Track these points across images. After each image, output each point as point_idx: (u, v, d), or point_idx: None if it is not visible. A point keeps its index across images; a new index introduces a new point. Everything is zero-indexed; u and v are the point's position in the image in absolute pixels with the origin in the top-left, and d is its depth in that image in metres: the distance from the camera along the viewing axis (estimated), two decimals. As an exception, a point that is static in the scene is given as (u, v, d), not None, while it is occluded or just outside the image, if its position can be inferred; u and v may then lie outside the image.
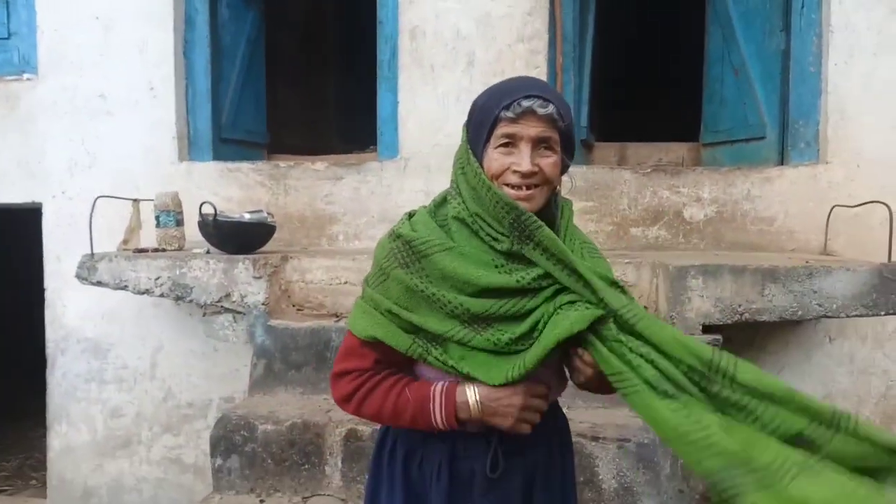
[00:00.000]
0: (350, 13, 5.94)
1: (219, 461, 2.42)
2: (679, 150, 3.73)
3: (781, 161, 3.17)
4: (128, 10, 3.46)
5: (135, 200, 3.14)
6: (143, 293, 2.87)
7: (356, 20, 5.55)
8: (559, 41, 3.23)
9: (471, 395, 1.28)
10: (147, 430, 3.50)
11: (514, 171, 1.24)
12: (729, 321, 2.46)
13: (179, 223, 3.09)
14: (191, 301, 2.84)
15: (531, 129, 1.24)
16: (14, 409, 4.97)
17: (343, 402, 1.38)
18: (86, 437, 3.56)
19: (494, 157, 1.26)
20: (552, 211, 1.33)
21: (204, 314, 3.34)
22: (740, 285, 2.44)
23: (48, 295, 3.59)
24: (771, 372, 2.91)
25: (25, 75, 3.60)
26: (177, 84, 3.48)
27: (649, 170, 3.19)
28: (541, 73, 3.21)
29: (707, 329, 2.49)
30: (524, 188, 1.25)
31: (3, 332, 5.06)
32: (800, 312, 2.43)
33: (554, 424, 1.47)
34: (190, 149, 3.56)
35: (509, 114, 1.23)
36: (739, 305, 2.45)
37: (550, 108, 1.24)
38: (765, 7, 3.20)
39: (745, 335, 2.90)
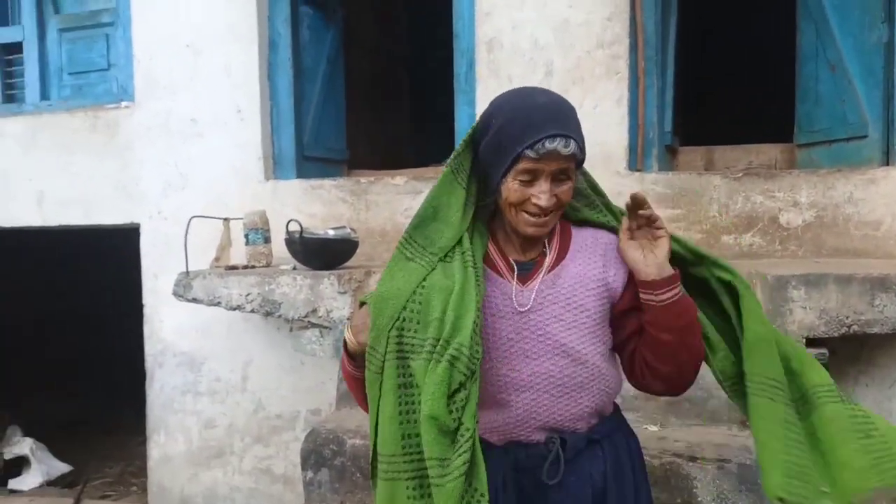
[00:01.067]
0: (423, 27, 6.01)
1: (309, 474, 2.47)
2: (771, 151, 3.55)
3: (886, 161, 2.96)
4: (215, 36, 3.62)
5: (225, 219, 3.26)
6: (234, 309, 2.97)
7: (430, 34, 5.59)
8: (640, 45, 3.14)
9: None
10: (239, 441, 3.62)
11: (535, 203, 1.29)
12: (835, 334, 2.31)
13: (267, 240, 3.19)
14: (279, 316, 2.92)
15: (553, 165, 1.28)
16: (116, 418, 5.25)
17: None
18: (182, 447, 3.71)
19: (514, 188, 1.30)
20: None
21: (291, 329, 3.42)
22: (847, 295, 2.29)
23: (146, 311, 3.77)
24: (881, 387, 2.72)
25: (123, 103, 3.81)
26: (262, 105, 3.60)
27: (740, 174, 3.05)
28: (622, 78, 3.13)
29: (811, 342, 2.34)
30: (542, 216, 1.31)
31: (106, 346, 5.36)
32: (916, 323, 2.25)
33: (618, 431, 1.45)
34: (275, 168, 3.67)
35: (532, 154, 1.25)
36: (847, 317, 2.29)
37: (572, 147, 1.27)
38: (863, -2, 3.01)
39: (851, 348, 2.71)
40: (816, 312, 2.32)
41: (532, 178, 1.28)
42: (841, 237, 2.91)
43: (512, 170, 1.28)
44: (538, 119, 1.26)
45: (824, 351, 2.32)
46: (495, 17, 3.25)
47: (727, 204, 3.02)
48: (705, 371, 2.31)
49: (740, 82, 6.18)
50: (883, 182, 2.87)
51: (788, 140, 3.51)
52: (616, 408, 1.49)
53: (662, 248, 1.33)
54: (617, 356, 1.46)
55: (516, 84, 3.19)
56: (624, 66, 3.13)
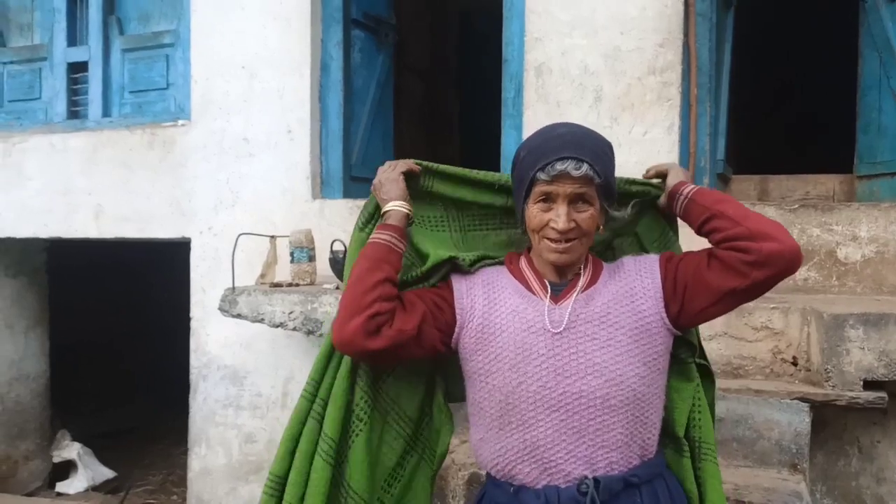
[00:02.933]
0: (473, 51, 6.05)
1: (344, 496, 2.45)
2: (829, 182, 3.44)
3: (954, 195, 2.83)
4: (270, 58, 3.70)
5: (272, 237, 3.31)
6: (277, 326, 3.00)
7: (481, 58, 5.63)
8: (693, 72, 3.09)
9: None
10: (277, 457, 3.63)
11: (552, 228, 1.32)
12: (895, 377, 2.20)
13: (312, 259, 3.22)
14: (320, 335, 2.93)
15: (567, 187, 1.31)
16: (162, 427, 5.36)
17: None
18: (222, 461, 3.75)
19: (534, 214, 1.35)
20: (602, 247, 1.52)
21: (332, 348, 3.44)
22: (909, 337, 2.17)
23: (193, 324, 3.85)
24: (945, 435, 2.56)
25: (180, 121, 3.93)
26: (312, 126, 3.66)
27: (796, 205, 2.95)
28: (674, 105, 3.08)
29: (869, 385, 2.23)
30: (563, 242, 1.33)
31: (156, 356, 5.49)
32: (984, 370, 2.12)
33: (660, 479, 1.39)
34: (322, 187, 3.72)
35: (544, 176, 1.31)
36: (909, 360, 2.18)
37: (584, 169, 1.30)
38: (931, 26, 2.91)
39: (912, 391, 2.58)
40: (875, 354, 2.21)
41: (549, 201, 1.33)
42: (903, 274, 2.78)
43: (530, 195, 1.35)
44: (553, 146, 1.34)
45: (883, 394, 2.21)
46: (545, 43, 3.25)
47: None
48: (754, 411, 2.23)
49: (800, 112, 6.02)
50: (950, 218, 2.73)
51: (847, 171, 3.39)
52: (660, 454, 1.43)
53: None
54: (664, 387, 1.42)
55: (564, 109, 3.20)
56: (676, 92, 3.08)
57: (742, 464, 2.22)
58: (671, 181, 1.48)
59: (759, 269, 1.31)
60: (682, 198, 1.44)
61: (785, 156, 4.55)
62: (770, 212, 2.94)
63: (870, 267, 2.82)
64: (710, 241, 1.39)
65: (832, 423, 2.58)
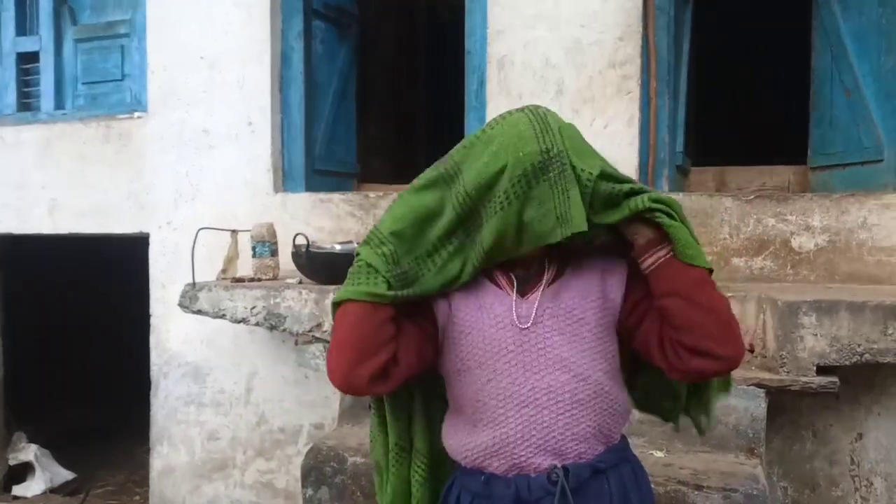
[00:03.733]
0: (438, 43, 6.03)
1: (309, 491, 2.44)
2: (784, 174, 3.52)
3: (902, 186, 2.92)
4: (230, 49, 3.64)
5: (233, 231, 3.26)
6: (239, 322, 2.97)
7: (444, 50, 5.62)
8: (653, 66, 3.12)
9: None
10: (241, 454, 3.60)
11: None
12: (847, 362, 2.27)
13: (274, 253, 3.18)
14: (283, 330, 2.90)
15: None
16: (122, 426, 5.25)
17: None
18: (185, 459, 3.70)
19: None
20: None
21: (296, 343, 3.40)
22: (859, 323, 2.24)
23: (153, 321, 3.78)
24: (894, 417, 2.66)
25: (136, 113, 3.84)
26: (273, 118, 3.62)
27: (752, 196, 3.01)
28: (633, 98, 3.12)
29: (822, 370, 2.30)
30: None
31: (115, 354, 5.38)
32: (930, 354, 2.21)
33: (625, 463, 1.41)
34: (284, 180, 3.67)
35: None
36: (859, 345, 2.25)
37: None
38: (880, 23, 2.98)
39: (864, 375, 2.66)
40: (828, 340, 2.27)
41: None
42: (854, 263, 2.86)
43: None
44: None
45: (835, 379, 2.28)
46: (507, 36, 3.25)
47: (738, 226, 2.98)
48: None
49: (756, 103, 6.15)
50: (898, 207, 2.82)
51: (802, 162, 3.48)
52: (624, 439, 1.45)
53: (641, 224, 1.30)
54: (623, 382, 1.43)
55: (526, 102, 3.19)
56: (635, 86, 3.12)
57: (701, 449, 2.27)
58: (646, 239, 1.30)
59: (680, 375, 1.31)
60: (659, 248, 1.29)
61: (742, 147, 4.64)
62: (727, 202, 3.00)
63: (822, 256, 2.90)
64: (669, 311, 1.28)
65: (788, 408, 2.66)
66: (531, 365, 1.32)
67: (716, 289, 1.28)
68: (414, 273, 1.31)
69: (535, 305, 1.34)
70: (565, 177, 1.23)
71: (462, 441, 1.38)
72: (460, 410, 1.39)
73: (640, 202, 1.25)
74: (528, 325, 1.33)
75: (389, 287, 1.26)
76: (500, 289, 1.37)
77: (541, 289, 1.36)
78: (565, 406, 1.32)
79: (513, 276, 1.37)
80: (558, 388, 1.31)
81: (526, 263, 1.38)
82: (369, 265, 1.28)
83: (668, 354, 1.28)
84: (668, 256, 1.27)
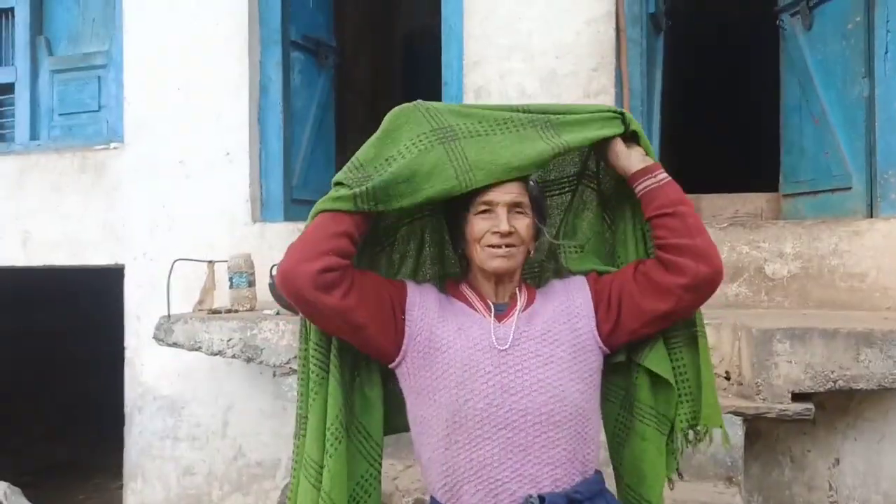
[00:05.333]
0: (414, 72, 6.09)
1: (286, 528, 2.39)
2: (757, 201, 3.58)
3: (871, 213, 2.98)
4: (206, 80, 3.65)
5: (210, 262, 3.24)
6: (215, 354, 2.93)
7: (420, 79, 5.67)
8: (626, 96, 3.18)
9: None
10: (218, 489, 3.53)
11: (494, 233, 1.37)
12: (821, 389, 2.29)
13: (251, 284, 3.16)
14: (261, 362, 2.87)
15: (505, 195, 1.38)
16: (95, 461, 5.13)
17: None
18: (160, 495, 3.62)
19: (475, 224, 1.39)
20: (532, 269, 1.54)
21: (274, 374, 3.37)
22: (832, 350, 2.27)
23: (128, 354, 3.72)
24: (869, 442, 2.68)
25: (112, 144, 3.83)
26: (251, 149, 3.62)
27: (726, 224, 3.06)
28: (608, 128, 3.16)
29: (797, 397, 2.31)
30: (503, 247, 1.38)
31: (88, 388, 5.27)
32: (901, 380, 2.23)
33: (600, 497, 1.41)
34: (262, 210, 3.66)
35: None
36: (832, 372, 2.27)
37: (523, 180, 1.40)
38: (844, 54, 3.07)
39: (839, 401, 2.69)
40: (802, 367, 2.29)
41: (489, 209, 1.38)
42: (826, 289, 2.90)
43: (471, 205, 1.39)
44: None
45: (810, 406, 2.30)
46: (483, 67, 3.30)
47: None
48: (690, 426, 2.28)
49: (729, 131, 6.27)
50: (867, 234, 2.88)
51: (775, 189, 3.54)
52: (599, 473, 1.46)
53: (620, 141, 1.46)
54: (598, 406, 1.45)
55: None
56: (610, 115, 3.16)
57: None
58: (643, 161, 1.45)
59: (690, 292, 1.39)
60: (653, 180, 1.42)
61: (716, 175, 4.72)
62: (712, 240, 3.04)
63: (796, 282, 2.94)
64: (654, 236, 1.43)
65: (765, 434, 2.67)
66: (509, 386, 1.33)
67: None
68: (373, 173, 1.37)
69: (513, 329, 1.38)
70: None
71: (439, 468, 1.37)
72: (431, 431, 1.38)
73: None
74: (507, 346, 1.36)
75: (351, 194, 1.34)
76: (477, 313, 1.41)
77: (516, 313, 1.40)
78: (542, 428, 1.33)
79: (490, 303, 1.42)
80: (535, 410, 1.33)
81: (499, 291, 1.43)
82: (336, 183, 1.38)
83: (669, 279, 1.37)
84: (663, 182, 1.42)
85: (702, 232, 1.39)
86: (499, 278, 1.42)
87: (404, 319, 1.39)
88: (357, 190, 1.34)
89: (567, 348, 1.38)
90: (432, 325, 1.39)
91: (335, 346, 1.41)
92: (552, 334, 1.39)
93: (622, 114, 1.46)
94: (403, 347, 1.39)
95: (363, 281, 1.37)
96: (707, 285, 1.39)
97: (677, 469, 1.54)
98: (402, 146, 1.39)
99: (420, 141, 1.38)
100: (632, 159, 1.44)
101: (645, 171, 1.43)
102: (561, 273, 1.55)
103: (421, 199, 1.36)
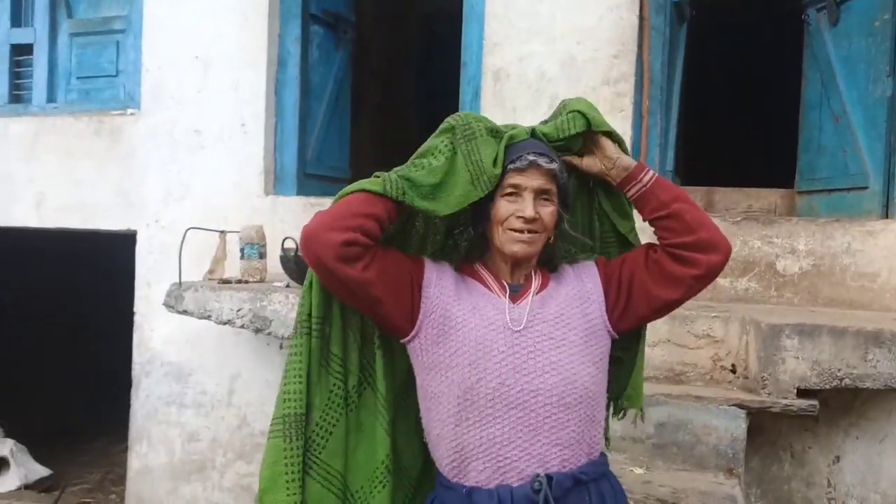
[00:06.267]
0: (431, 52, 6.05)
1: (288, 497, 2.43)
2: (771, 196, 3.56)
3: (886, 213, 2.97)
4: (225, 51, 3.64)
5: (222, 232, 3.26)
6: (225, 323, 2.95)
7: (437, 59, 5.64)
8: (646, 84, 3.16)
9: None
10: (221, 457, 3.57)
11: (518, 217, 1.37)
12: (827, 386, 2.30)
13: (262, 256, 3.18)
14: (269, 333, 2.90)
15: (534, 181, 1.38)
16: (102, 424, 5.20)
17: None
18: (163, 459, 3.67)
19: (501, 206, 1.39)
20: (549, 255, 1.48)
21: (281, 346, 3.40)
22: (840, 348, 2.27)
23: (137, 319, 3.75)
24: (871, 441, 2.69)
25: (129, 110, 3.83)
26: (266, 121, 3.61)
27: (739, 218, 3.05)
28: (626, 115, 3.15)
29: (802, 393, 2.32)
30: (526, 232, 1.38)
31: (97, 351, 5.33)
32: (908, 381, 2.24)
33: (605, 479, 1.44)
34: (276, 183, 3.67)
35: (518, 164, 1.37)
36: (839, 370, 2.28)
37: (554, 166, 1.39)
38: (869, 52, 3.04)
39: (843, 399, 2.70)
40: (809, 363, 2.30)
41: (517, 193, 1.38)
42: (837, 287, 2.90)
43: (499, 187, 1.39)
44: (522, 143, 1.41)
45: (815, 402, 2.30)
46: (504, 49, 3.28)
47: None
48: (694, 417, 2.30)
49: (746, 125, 6.22)
50: (882, 234, 2.87)
51: (789, 186, 3.52)
52: (603, 455, 1.47)
53: (607, 146, 1.45)
54: (605, 390, 1.46)
55: (520, 114, 3.24)
56: (628, 103, 3.15)
57: (681, 467, 2.29)
58: (627, 162, 1.45)
59: (703, 281, 1.42)
60: (639, 184, 1.44)
61: (731, 169, 4.69)
62: (715, 222, 3.03)
63: (806, 279, 2.94)
64: (657, 237, 1.44)
65: (767, 429, 2.68)
66: (522, 367, 1.35)
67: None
68: (407, 174, 1.38)
69: (527, 310, 1.39)
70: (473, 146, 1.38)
71: (448, 444, 1.38)
72: (441, 408, 1.39)
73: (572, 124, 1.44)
74: (521, 328, 1.37)
75: (381, 179, 1.35)
76: (493, 293, 1.42)
77: (530, 295, 1.41)
78: (552, 409, 1.34)
79: (505, 283, 1.43)
80: (547, 391, 1.34)
81: (515, 273, 1.44)
82: (369, 178, 1.39)
83: (680, 270, 1.39)
84: (649, 183, 1.43)
85: (703, 224, 1.40)
86: (516, 262, 1.43)
87: (421, 296, 1.39)
88: (386, 175, 1.36)
89: (579, 332, 1.40)
90: (448, 303, 1.40)
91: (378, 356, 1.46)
92: (565, 318, 1.40)
93: (585, 115, 1.44)
94: (418, 323, 1.39)
95: (384, 256, 1.38)
96: (718, 271, 1.42)
97: (607, 438, 1.59)
98: (434, 147, 1.40)
99: (446, 146, 1.40)
100: (617, 165, 1.44)
101: (629, 179, 1.44)
102: (571, 258, 1.55)
103: (442, 209, 1.38)
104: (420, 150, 1.43)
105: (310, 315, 1.42)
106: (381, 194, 1.34)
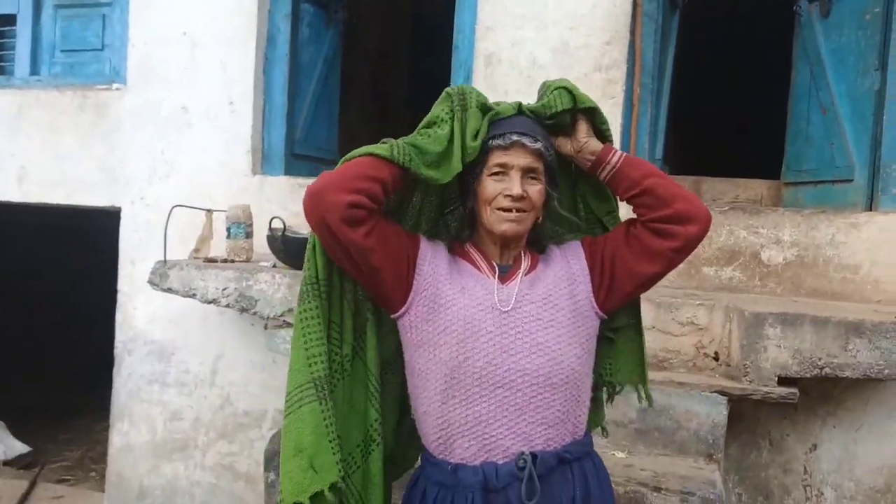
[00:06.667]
0: (421, 35, 6.01)
1: (272, 476, 2.43)
2: (758, 187, 3.59)
3: (870, 206, 2.99)
4: (214, 27, 3.59)
5: (208, 211, 3.23)
6: (210, 302, 2.93)
7: (427, 42, 5.60)
8: (638, 72, 3.16)
9: None
10: (203, 436, 3.57)
11: (506, 196, 1.37)
12: (807, 374, 2.33)
13: (249, 235, 3.15)
14: (254, 313, 2.88)
15: (521, 159, 1.38)
16: (82, 402, 5.17)
17: None
18: (145, 438, 3.65)
19: (488, 185, 1.40)
20: (537, 236, 1.49)
21: (266, 327, 3.38)
22: (822, 337, 2.30)
23: (120, 297, 3.71)
24: (848, 429, 2.74)
25: (115, 85, 3.77)
26: (255, 100, 3.57)
27: (726, 207, 3.07)
28: (617, 103, 3.15)
29: (783, 381, 2.35)
30: (514, 211, 1.38)
31: (79, 329, 5.28)
32: (886, 371, 2.27)
33: (588, 458, 1.47)
34: (263, 163, 3.64)
35: (501, 142, 1.38)
36: (820, 359, 2.31)
37: (539, 144, 1.39)
38: (859, 45, 3.05)
39: (822, 387, 2.74)
40: (790, 352, 2.33)
41: (503, 172, 1.38)
42: (820, 278, 2.93)
43: (485, 167, 1.39)
44: (507, 121, 1.43)
45: (795, 391, 2.33)
46: (496, 33, 3.26)
47: (710, 236, 3.00)
48: (676, 402, 2.33)
49: (733, 115, 6.26)
50: (865, 227, 2.90)
51: (776, 177, 3.55)
52: (588, 435, 1.49)
53: (580, 128, 1.46)
54: (591, 370, 1.48)
55: (511, 99, 3.22)
56: (620, 90, 3.15)
57: (662, 452, 2.31)
58: (594, 146, 1.46)
59: (682, 252, 1.44)
60: (608, 166, 1.44)
61: (718, 159, 4.72)
62: (693, 194, 3.03)
63: (790, 270, 2.96)
64: (635, 214, 1.46)
65: (747, 416, 2.72)
66: (509, 347, 1.36)
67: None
68: (413, 141, 1.40)
69: (515, 291, 1.39)
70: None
71: (434, 421, 1.39)
72: (428, 385, 1.40)
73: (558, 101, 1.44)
74: (509, 308, 1.38)
75: (389, 144, 1.36)
76: (482, 273, 1.43)
77: (519, 276, 1.42)
78: (538, 389, 1.36)
79: (495, 264, 1.43)
80: (533, 371, 1.35)
81: (504, 253, 1.45)
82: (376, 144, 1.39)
83: (661, 244, 1.40)
84: (618, 164, 1.44)
85: (678, 196, 1.41)
86: (505, 241, 1.43)
87: (415, 272, 1.40)
88: (393, 141, 1.37)
89: (566, 313, 1.41)
90: (439, 281, 1.40)
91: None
92: (553, 299, 1.41)
93: (571, 91, 1.45)
94: (410, 299, 1.40)
95: (385, 226, 1.38)
96: (697, 241, 1.43)
97: (604, 428, 1.62)
98: (437, 116, 1.43)
99: (447, 114, 1.42)
100: (584, 149, 1.46)
101: (598, 162, 1.45)
102: (558, 238, 1.56)
103: (444, 176, 1.39)
104: (425, 119, 1.44)
105: (317, 278, 1.40)
106: (388, 159, 1.34)
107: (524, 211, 1.39)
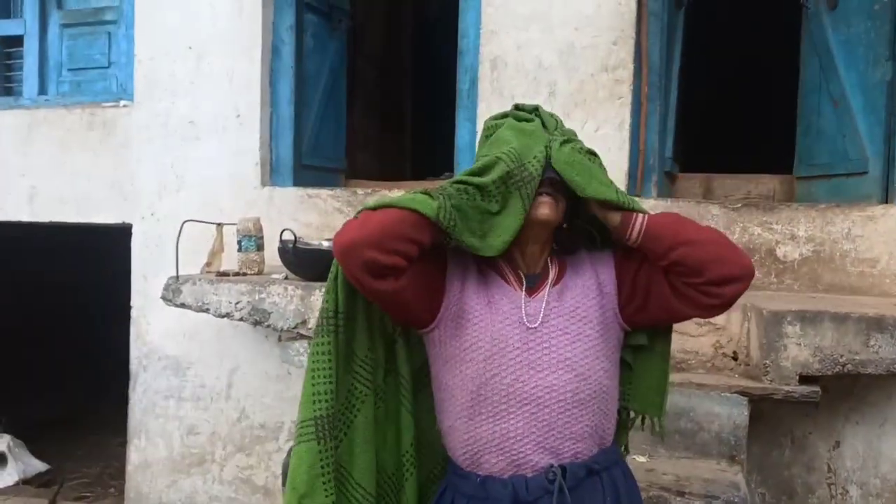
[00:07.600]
0: (428, 42, 6.01)
1: (290, 490, 2.42)
2: (770, 182, 3.55)
3: (886, 198, 2.96)
4: (219, 40, 3.59)
5: (219, 224, 3.22)
6: (223, 316, 2.93)
7: (432, 47, 5.60)
8: (645, 71, 3.14)
9: None
10: (221, 450, 3.56)
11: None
12: (829, 372, 2.29)
13: (260, 248, 3.15)
14: (268, 326, 2.88)
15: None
16: (99, 418, 5.18)
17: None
18: (163, 453, 3.65)
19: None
20: (563, 243, 1.47)
21: (280, 339, 3.38)
22: (842, 334, 2.27)
23: (134, 313, 3.72)
24: (871, 425, 2.70)
25: (122, 102, 3.79)
26: (262, 111, 3.58)
27: (739, 204, 3.03)
28: (625, 102, 3.12)
29: (804, 379, 2.32)
30: (546, 195, 1.36)
31: (94, 345, 5.31)
32: (910, 365, 2.24)
33: (616, 466, 1.44)
34: (272, 174, 3.64)
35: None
36: (841, 356, 2.27)
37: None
38: (868, 35, 3.02)
39: (843, 384, 2.70)
40: (811, 350, 2.30)
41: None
42: (837, 273, 2.90)
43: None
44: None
45: (817, 389, 2.30)
46: (501, 36, 3.25)
47: (725, 234, 3.00)
48: (696, 404, 2.30)
49: (743, 111, 6.21)
50: (881, 219, 2.86)
51: (788, 172, 3.51)
52: (614, 442, 1.47)
53: (591, 205, 1.41)
54: (618, 383, 1.45)
55: (519, 102, 3.21)
56: (627, 90, 3.13)
57: (683, 455, 2.28)
58: (612, 220, 1.39)
59: (722, 308, 1.40)
60: (630, 241, 1.37)
61: (729, 155, 4.68)
62: (714, 209, 3.02)
63: (806, 265, 2.93)
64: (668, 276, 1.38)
65: (768, 415, 2.68)
66: (536, 363, 1.34)
67: (692, 221, 1.38)
68: (458, 203, 1.30)
69: (543, 305, 1.37)
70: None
71: (461, 436, 1.37)
72: (455, 400, 1.38)
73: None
74: (536, 324, 1.35)
75: (437, 204, 1.26)
76: (509, 285, 1.40)
77: (547, 288, 1.39)
78: (566, 405, 1.34)
79: (522, 275, 1.40)
80: (561, 388, 1.33)
81: (531, 263, 1.42)
82: (423, 192, 1.29)
83: (701, 299, 1.34)
84: (644, 222, 1.35)
85: (711, 262, 1.30)
86: (536, 235, 1.39)
87: (444, 289, 1.37)
88: (442, 200, 1.27)
89: (595, 326, 1.38)
90: (465, 296, 1.38)
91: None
92: (581, 311, 1.39)
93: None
94: (439, 316, 1.38)
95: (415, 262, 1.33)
96: (738, 297, 1.36)
97: (626, 445, 1.58)
98: (488, 188, 1.32)
99: (498, 189, 1.32)
100: (603, 220, 1.40)
101: (619, 237, 1.39)
102: (589, 243, 1.52)
103: (487, 251, 1.34)
104: (475, 166, 1.35)
105: (336, 311, 1.37)
106: (433, 220, 1.26)
107: (559, 192, 1.36)
